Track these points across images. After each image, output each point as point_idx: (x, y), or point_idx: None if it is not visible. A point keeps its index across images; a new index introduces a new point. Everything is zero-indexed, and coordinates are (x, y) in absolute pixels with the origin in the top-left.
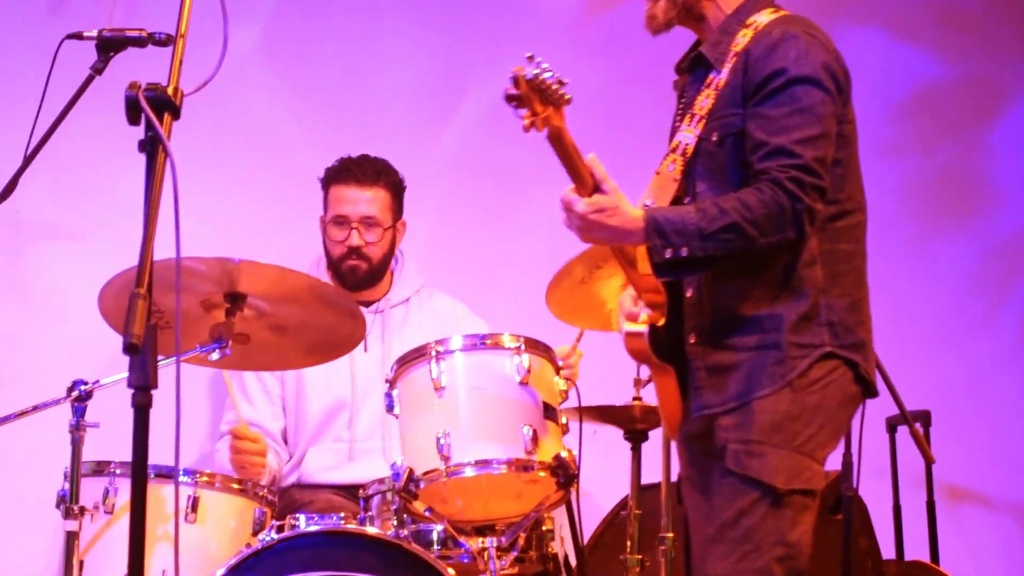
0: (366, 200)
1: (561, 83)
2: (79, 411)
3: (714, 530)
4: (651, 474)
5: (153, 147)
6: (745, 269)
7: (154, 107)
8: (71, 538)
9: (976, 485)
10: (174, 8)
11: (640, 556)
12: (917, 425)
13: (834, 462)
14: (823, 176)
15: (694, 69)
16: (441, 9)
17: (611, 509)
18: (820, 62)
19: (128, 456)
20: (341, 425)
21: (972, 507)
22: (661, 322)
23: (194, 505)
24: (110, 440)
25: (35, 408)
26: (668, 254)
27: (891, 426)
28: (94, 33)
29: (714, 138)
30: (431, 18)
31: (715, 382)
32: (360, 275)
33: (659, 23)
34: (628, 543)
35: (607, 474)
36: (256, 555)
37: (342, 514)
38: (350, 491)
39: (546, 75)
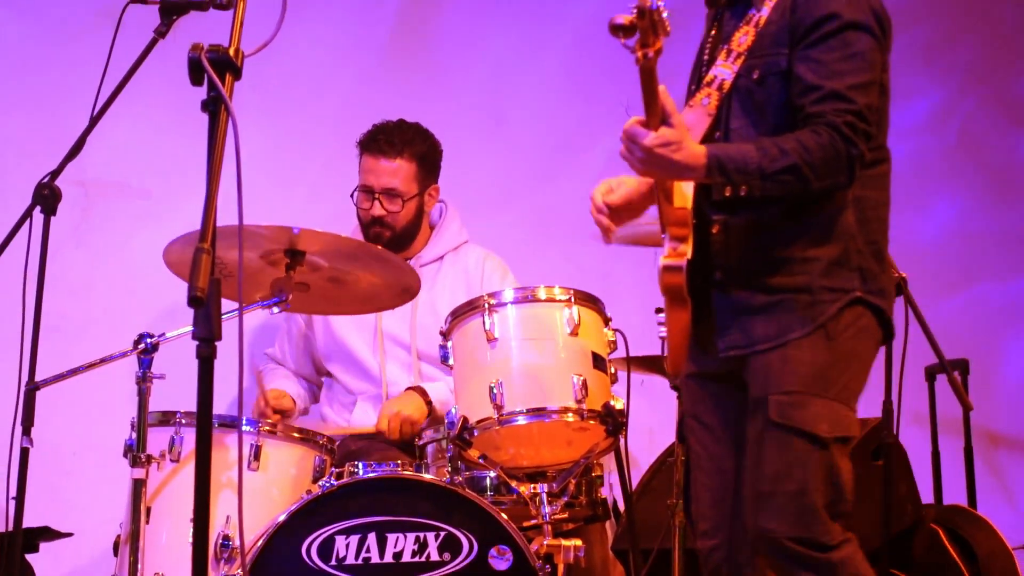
0: (388, 172)
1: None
2: (145, 363)
3: (767, 485)
4: None
5: (215, 107)
6: (776, 209)
7: (216, 68)
8: (138, 485)
9: (1012, 431)
10: None
11: None
12: (955, 374)
13: (874, 409)
14: (872, 123)
15: (733, 5)
16: None
17: (658, 456)
18: (870, 7)
19: (193, 406)
20: (373, 378)
21: (1009, 453)
22: (688, 256)
23: (256, 453)
24: (175, 390)
25: (103, 360)
26: (728, 192)
27: (930, 375)
28: None
29: (755, 76)
30: None
31: (742, 322)
32: (383, 241)
33: None
34: (675, 489)
35: (654, 422)
36: (316, 501)
37: (399, 461)
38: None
39: (662, 3)
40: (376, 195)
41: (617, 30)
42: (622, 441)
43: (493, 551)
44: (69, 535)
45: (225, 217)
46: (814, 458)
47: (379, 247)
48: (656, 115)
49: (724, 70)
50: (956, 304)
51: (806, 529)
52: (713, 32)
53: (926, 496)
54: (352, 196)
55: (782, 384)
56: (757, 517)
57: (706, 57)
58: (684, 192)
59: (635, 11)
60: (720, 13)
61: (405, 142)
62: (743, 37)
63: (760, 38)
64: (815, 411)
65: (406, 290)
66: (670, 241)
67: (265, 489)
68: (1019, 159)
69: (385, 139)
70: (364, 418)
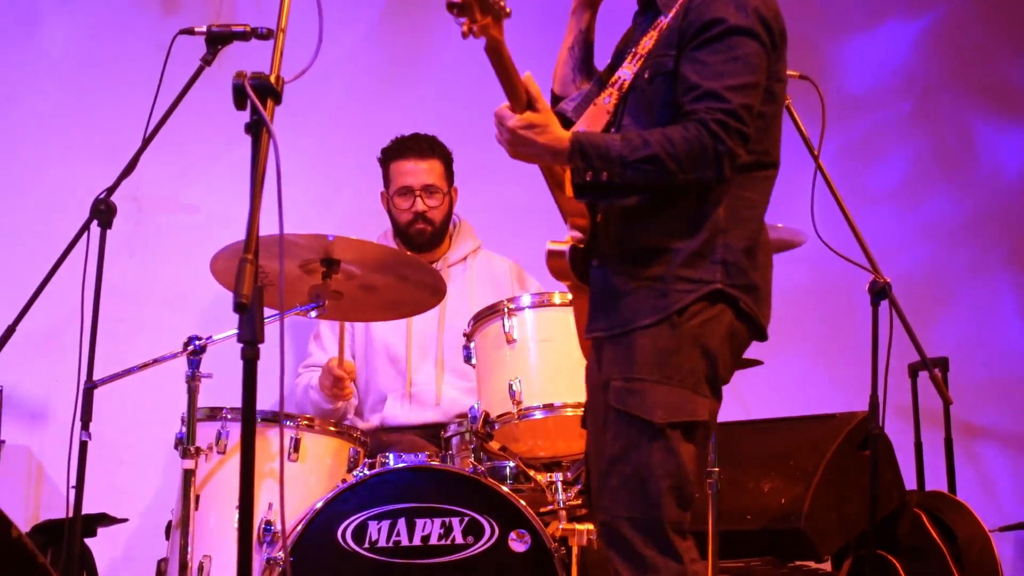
0: (424, 171)
1: None
2: (194, 363)
3: (605, 465)
4: None
5: (258, 130)
6: (652, 201)
7: (258, 94)
8: (188, 475)
9: (989, 423)
10: (274, 4)
11: None
12: (936, 370)
13: (861, 404)
14: (748, 123)
15: (645, 11)
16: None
17: None
18: (758, 15)
19: (238, 402)
20: (402, 373)
21: (986, 443)
22: (582, 244)
23: (296, 445)
24: (221, 388)
25: (155, 361)
26: (588, 177)
27: (913, 371)
28: (204, 29)
29: (646, 76)
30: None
31: (606, 307)
32: (427, 237)
33: None
34: None
35: None
36: (351, 489)
37: (427, 452)
38: (428, 432)
39: None
40: (417, 193)
41: (451, 7)
42: None
43: (513, 534)
44: (124, 520)
45: (266, 229)
46: (646, 443)
47: (407, 253)
48: (519, 99)
49: (626, 71)
50: (937, 307)
51: (643, 510)
52: (632, 36)
53: (909, 483)
54: (386, 200)
55: (623, 370)
56: (599, 498)
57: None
58: None
59: None
60: (636, 19)
61: (432, 145)
62: (648, 41)
63: (658, 43)
64: (653, 398)
65: (434, 294)
66: (570, 230)
67: (304, 478)
68: (971, 138)
69: (414, 144)
70: (396, 413)
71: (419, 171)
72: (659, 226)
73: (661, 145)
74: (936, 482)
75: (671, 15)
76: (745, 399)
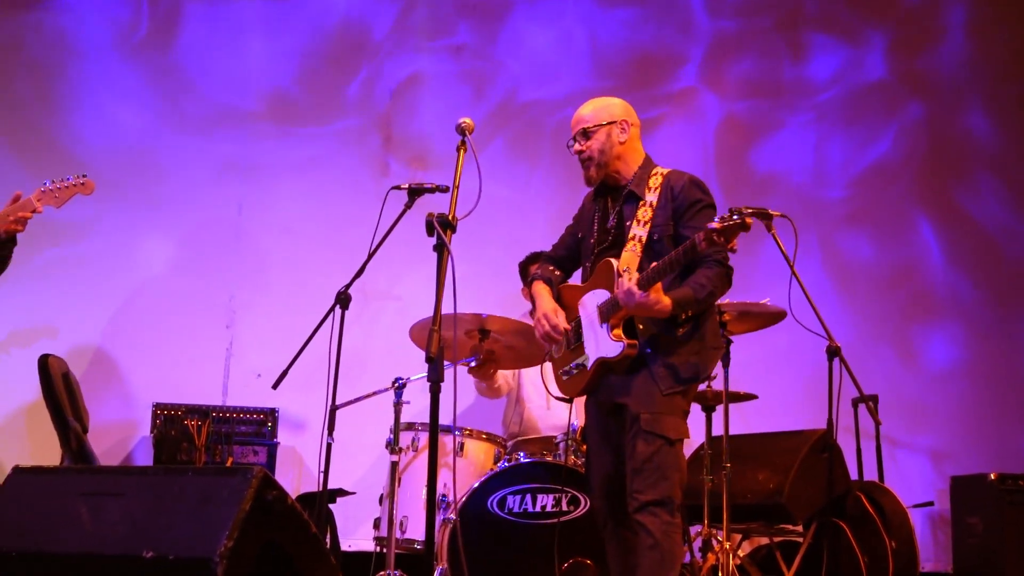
0: None
1: None
2: (399, 394)
3: (638, 464)
4: (716, 430)
5: (441, 249)
6: (680, 329)
7: (441, 226)
8: (394, 466)
9: (905, 438)
10: (451, 167)
11: (711, 476)
12: (870, 403)
13: (821, 423)
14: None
15: (627, 198)
16: None
17: (694, 450)
18: (709, 193)
19: (426, 418)
20: (541, 402)
21: (901, 450)
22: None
23: (462, 447)
24: (416, 410)
25: (375, 392)
26: (683, 316)
27: (855, 403)
28: (407, 185)
29: (655, 236)
30: None
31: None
32: None
33: (593, 181)
34: (704, 469)
35: (693, 430)
36: (495, 475)
37: (544, 452)
38: (545, 440)
39: None
40: None
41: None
42: None
43: None
44: (353, 493)
45: (444, 310)
46: (665, 451)
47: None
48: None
49: (640, 231)
50: (873, 359)
51: (660, 492)
52: (614, 211)
53: (853, 475)
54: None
55: (648, 408)
56: (632, 484)
57: (611, 224)
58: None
59: None
60: (613, 202)
61: None
62: (644, 213)
63: (655, 215)
64: (667, 423)
65: (541, 355)
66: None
67: (466, 468)
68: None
69: None
70: (535, 425)
71: None
72: (677, 345)
73: (711, 282)
74: (870, 475)
75: (652, 197)
76: (748, 420)
